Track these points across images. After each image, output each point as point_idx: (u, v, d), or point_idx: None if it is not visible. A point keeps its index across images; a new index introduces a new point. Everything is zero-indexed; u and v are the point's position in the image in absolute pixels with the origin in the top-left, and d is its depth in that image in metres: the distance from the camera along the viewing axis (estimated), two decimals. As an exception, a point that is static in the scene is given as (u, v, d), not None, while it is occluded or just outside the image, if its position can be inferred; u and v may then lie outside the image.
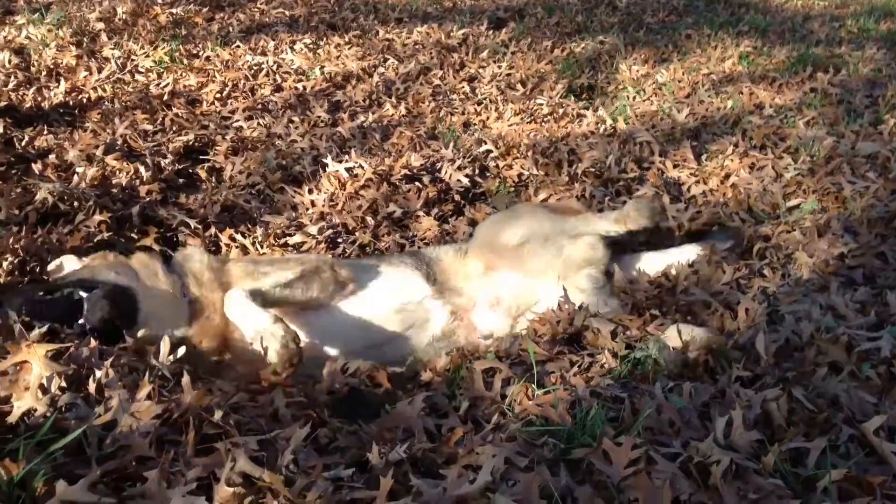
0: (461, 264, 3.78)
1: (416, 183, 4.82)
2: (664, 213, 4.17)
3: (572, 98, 6.48)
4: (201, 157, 5.12)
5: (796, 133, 5.40)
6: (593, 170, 4.94)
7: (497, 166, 5.12)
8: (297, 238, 4.25)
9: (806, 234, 4.07)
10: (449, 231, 4.53)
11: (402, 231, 4.53)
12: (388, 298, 3.53)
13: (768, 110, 5.92)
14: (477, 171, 5.06)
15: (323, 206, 4.57)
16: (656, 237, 4.22)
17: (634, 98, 6.48)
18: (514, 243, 3.75)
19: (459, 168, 4.95)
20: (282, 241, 4.25)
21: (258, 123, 5.59)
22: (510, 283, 3.69)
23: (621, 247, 4.06)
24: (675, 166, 5.02)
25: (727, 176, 4.85)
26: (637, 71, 7.00)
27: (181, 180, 4.75)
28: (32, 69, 5.98)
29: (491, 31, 7.83)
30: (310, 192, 4.71)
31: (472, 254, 3.81)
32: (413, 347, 3.48)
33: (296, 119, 5.70)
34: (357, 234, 4.36)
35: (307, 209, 4.56)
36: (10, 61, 5.92)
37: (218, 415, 2.30)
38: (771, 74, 6.71)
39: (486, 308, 3.64)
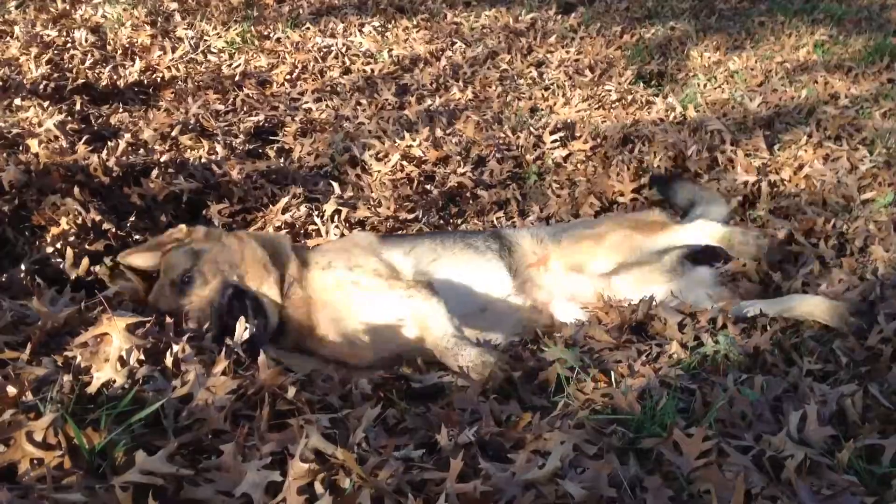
0: (540, 254, 3.71)
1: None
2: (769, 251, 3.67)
3: (641, 84, 6.41)
4: (271, 137, 5.18)
5: (872, 124, 5.28)
6: (663, 156, 4.89)
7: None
8: (361, 213, 4.29)
9: (881, 228, 3.98)
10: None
11: (459, 206, 4.62)
12: (476, 297, 3.51)
13: (843, 100, 5.79)
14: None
15: (388, 183, 4.62)
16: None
17: (705, 85, 6.38)
18: (605, 271, 3.65)
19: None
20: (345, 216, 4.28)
21: (327, 105, 5.64)
22: (589, 285, 3.64)
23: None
24: (746, 156, 4.93)
25: (800, 167, 4.75)
26: (708, 58, 6.90)
27: (251, 160, 4.81)
28: (108, 48, 6.11)
29: (559, 16, 7.78)
30: (377, 171, 4.74)
31: (554, 255, 3.70)
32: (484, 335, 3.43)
33: (363, 101, 5.74)
34: (419, 212, 4.40)
35: (372, 191, 4.59)
36: (86, 40, 6.05)
37: (291, 392, 2.33)
38: (847, 64, 6.56)
39: (565, 301, 3.60)
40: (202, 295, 3.05)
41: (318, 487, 1.92)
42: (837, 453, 2.22)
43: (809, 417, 2.34)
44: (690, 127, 5.31)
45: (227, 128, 5.08)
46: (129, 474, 1.88)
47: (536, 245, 3.75)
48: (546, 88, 6.30)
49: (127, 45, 6.15)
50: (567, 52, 6.87)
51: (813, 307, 3.24)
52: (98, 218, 3.62)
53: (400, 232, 4.29)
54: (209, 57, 6.25)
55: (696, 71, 6.71)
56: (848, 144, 4.98)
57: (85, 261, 3.38)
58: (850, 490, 2.06)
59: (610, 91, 6.14)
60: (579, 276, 3.64)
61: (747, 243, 3.54)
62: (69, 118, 4.66)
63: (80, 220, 3.58)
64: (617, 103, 5.96)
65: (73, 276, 3.33)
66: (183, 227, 3.34)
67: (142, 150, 4.43)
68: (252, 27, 6.74)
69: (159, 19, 6.70)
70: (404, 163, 4.77)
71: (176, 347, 2.46)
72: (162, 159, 4.26)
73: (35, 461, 1.93)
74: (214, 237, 3.32)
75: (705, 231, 3.67)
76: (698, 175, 4.83)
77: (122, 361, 2.36)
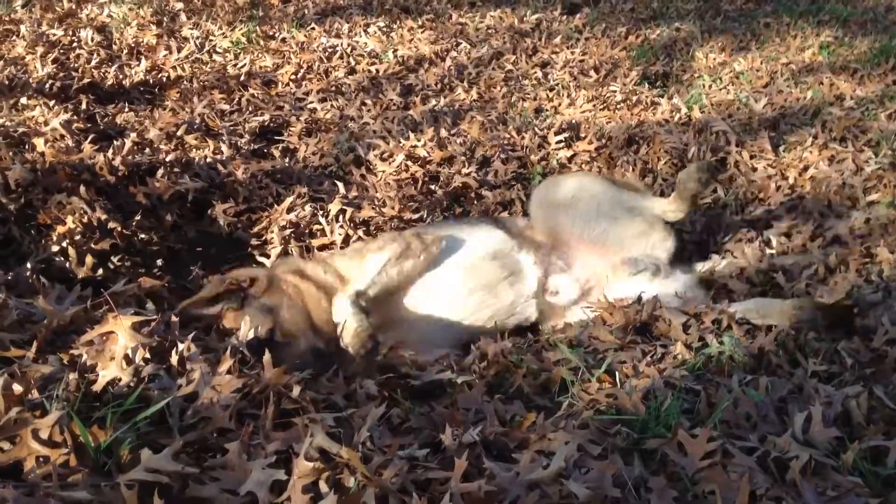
0: (528, 232, 3.84)
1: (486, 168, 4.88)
2: (711, 174, 3.79)
3: (646, 85, 6.41)
4: (276, 137, 5.19)
5: (878, 126, 5.28)
6: (667, 158, 4.88)
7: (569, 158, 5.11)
8: (366, 213, 4.29)
9: (887, 230, 3.97)
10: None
11: (463, 207, 4.66)
12: (482, 246, 3.64)
13: (849, 102, 5.78)
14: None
15: (392, 183, 4.63)
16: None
17: (710, 87, 6.38)
18: (567, 197, 3.78)
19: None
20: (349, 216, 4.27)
21: (332, 105, 5.64)
22: (578, 256, 3.73)
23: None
24: (752, 157, 4.93)
25: (805, 168, 4.75)
26: (713, 59, 6.90)
27: (256, 160, 4.81)
28: (114, 47, 6.11)
29: (564, 17, 7.78)
30: (382, 171, 4.74)
31: (533, 222, 3.87)
32: (514, 298, 3.60)
33: (368, 102, 5.74)
34: (423, 212, 4.41)
35: (377, 191, 4.59)
36: (92, 39, 6.06)
37: (296, 391, 2.34)
38: (852, 65, 6.55)
39: (559, 271, 3.71)
40: (291, 354, 3.07)
41: (323, 486, 1.93)
42: (842, 454, 2.22)
43: (814, 419, 2.34)
44: (695, 128, 5.31)
45: (232, 127, 5.09)
46: (134, 472, 1.89)
47: (525, 221, 3.96)
48: (551, 89, 6.29)
49: (132, 45, 6.16)
50: (572, 53, 6.86)
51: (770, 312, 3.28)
52: (104, 217, 3.63)
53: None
54: (214, 57, 6.26)
55: (702, 72, 6.70)
56: (853, 146, 4.98)
57: (90, 259, 3.39)
58: (855, 491, 2.06)
59: (615, 92, 6.13)
60: (560, 244, 3.76)
61: (689, 173, 3.65)
62: (75, 117, 4.67)
63: (85, 219, 3.59)
64: (622, 104, 5.96)
65: (80, 276, 3.34)
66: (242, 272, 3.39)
67: (147, 150, 4.43)
68: (257, 27, 6.74)
69: (165, 19, 6.70)
70: (409, 163, 4.78)
71: (181, 346, 2.47)
72: (167, 159, 4.27)
73: (41, 459, 1.94)
74: (275, 286, 3.35)
75: (664, 199, 3.79)
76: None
77: (128, 360, 2.37)
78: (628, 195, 3.82)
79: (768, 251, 3.97)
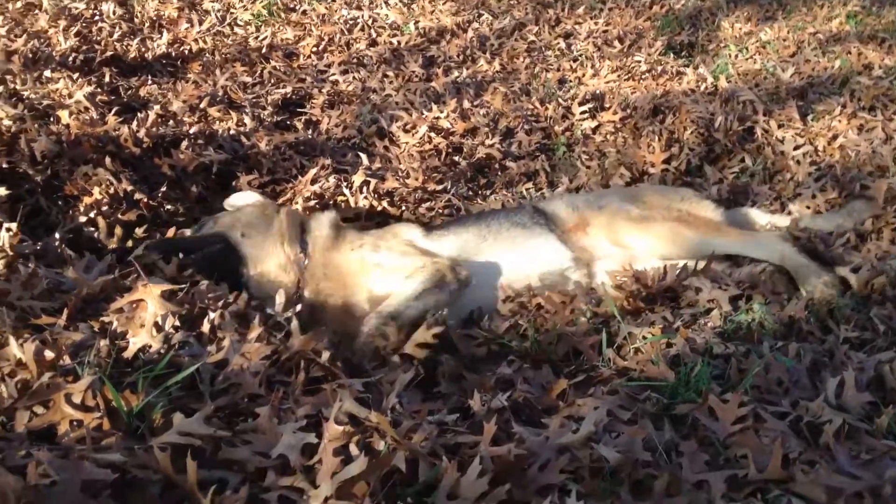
0: (578, 224, 3.69)
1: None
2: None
3: (671, 55, 6.34)
4: (298, 109, 5.18)
5: (907, 95, 5.19)
6: (693, 128, 4.83)
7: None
8: (389, 184, 4.28)
9: (919, 197, 3.92)
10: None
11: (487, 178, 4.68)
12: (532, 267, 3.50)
13: (878, 71, 5.68)
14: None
15: (416, 154, 4.62)
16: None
17: (736, 56, 6.30)
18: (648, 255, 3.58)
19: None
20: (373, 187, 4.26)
21: (353, 77, 5.62)
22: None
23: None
24: (779, 126, 4.86)
25: (834, 137, 4.68)
26: (740, 28, 6.81)
27: (279, 132, 4.81)
28: (136, 20, 6.11)
29: (587, -13, 7.70)
30: (405, 142, 4.73)
31: (595, 224, 3.66)
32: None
33: (390, 74, 5.71)
34: (447, 183, 4.40)
35: (400, 162, 4.58)
36: (114, 12, 6.05)
37: (325, 357, 2.34)
38: (880, 35, 6.45)
39: (604, 258, 3.59)
40: None
41: (354, 449, 1.93)
42: (876, 419, 2.20)
43: (847, 384, 2.32)
44: (722, 97, 5.24)
45: (254, 100, 5.09)
46: (167, 435, 1.90)
47: (572, 213, 3.74)
48: (574, 60, 6.23)
49: (154, 18, 6.15)
50: (595, 23, 6.79)
51: None
52: (130, 188, 3.65)
53: (428, 203, 4.29)
54: (236, 29, 6.25)
55: (728, 42, 6.62)
56: (882, 115, 4.89)
57: (119, 230, 3.41)
58: (890, 455, 2.05)
59: (639, 62, 6.06)
60: (623, 249, 3.60)
61: (816, 287, 3.15)
62: (98, 90, 4.68)
63: (112, 190, 3.61)
64: (647, 74, 5.89)
65: (110, 246, 3.36)
66: None
67: (171, 122, 4.44)
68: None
69: (186, -8, 6.70)
70: (432, 134, 4.76)
71: (213, 314, 2.48)
72: (191, 131, 4.28)
73: (74, 423, 1.95)
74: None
75: (774, 250, 3.44)
76: (728, 148, 4.79)
77: (158, 327, 2.38)
78: (709, 241, 3.54)
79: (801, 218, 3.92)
